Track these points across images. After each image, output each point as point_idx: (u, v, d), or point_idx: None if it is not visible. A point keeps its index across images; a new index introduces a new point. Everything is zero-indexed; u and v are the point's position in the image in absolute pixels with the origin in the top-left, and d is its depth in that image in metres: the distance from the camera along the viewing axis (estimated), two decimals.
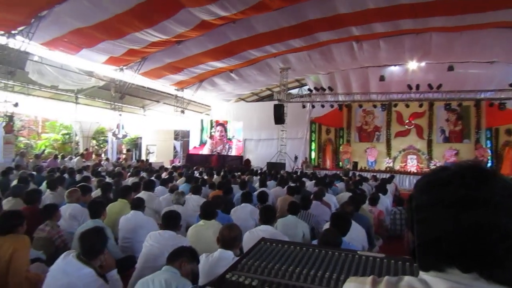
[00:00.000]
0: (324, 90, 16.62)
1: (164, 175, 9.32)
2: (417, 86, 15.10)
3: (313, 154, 19.00)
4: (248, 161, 17.97)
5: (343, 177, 11.60)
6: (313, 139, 19.04)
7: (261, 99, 20.90)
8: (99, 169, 10.52)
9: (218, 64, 14.97)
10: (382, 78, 15.98)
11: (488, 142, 16.99)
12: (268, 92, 20.33)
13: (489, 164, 16.57)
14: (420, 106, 16.81)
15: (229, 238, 2.81)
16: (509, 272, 0.68)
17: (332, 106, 17.16)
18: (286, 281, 1.40)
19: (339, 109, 17.55)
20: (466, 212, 0.70)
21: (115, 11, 9.79)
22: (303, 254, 1.69)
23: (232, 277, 1.44)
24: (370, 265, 1.58)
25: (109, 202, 4.86)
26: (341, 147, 19.47)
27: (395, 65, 16.21)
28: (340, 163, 19.01)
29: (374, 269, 1.53)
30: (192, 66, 14.69)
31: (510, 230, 0.68)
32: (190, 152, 17.91)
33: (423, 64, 15.57)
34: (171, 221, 3.46)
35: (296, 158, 17.56)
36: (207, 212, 3.96)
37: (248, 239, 3.42)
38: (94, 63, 13.21)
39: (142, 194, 5.28)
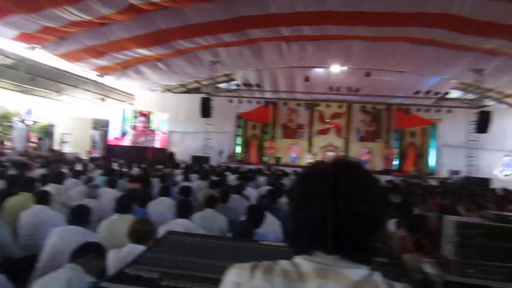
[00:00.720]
0: (252, 86, 16.88)
1: (78, 166, 8.69)
2: (338, 89, 16.12)
3: (238, 149, 19.22)
4: (171, 154, 17.56)
5: (266, 172, 11.93)
6: (239, 134, 19.27)
7: (189, 91, 20.51)
8: (2, 159, 9.45)
9: (144, 52, 14.34)
10: (307, 79, 16.70)
11: (396, 142, 18.80)
12: (196, 85, 20.02)
13: (396, 162, 18.37)
14: (340, 107, 18.01)
15: (141, 232, 2.73)
16: (366, 253, 0.80)
17: (258, 102, 17.52)
18: (188, 272, 1.41)
19: (265, 105, 17.98)
20: (331, 201, 0.79)
21: None
22: (209, 246, 1.72)
23: (131, 271, 1.41)
24: (270, 253, 1.67)
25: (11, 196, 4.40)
26: (266, 143, 19.98)
27: (319, 67, 17.05)
28: (264, 158, 19.51)
29: (271, 257, 1.61)
30: (116, 51, 13.86)
31: (368, 217, 0.80)
32: (110, 143, 16.89)
33: (344, 68, 16.62)
34: (79, 216, 3.24)
35: (221, 152, 17.61)
36: (122, 206, 3.80)
37: None
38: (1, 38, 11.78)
39: (50, 187, 4.87)
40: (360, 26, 12.47)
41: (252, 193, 6.97)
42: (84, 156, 13.82)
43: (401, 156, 18.78)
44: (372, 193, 0.82)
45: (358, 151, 18.99)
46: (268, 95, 18.30)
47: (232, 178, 9.26)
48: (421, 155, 18.31)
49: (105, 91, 16.92)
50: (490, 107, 15.75)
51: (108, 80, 16.51)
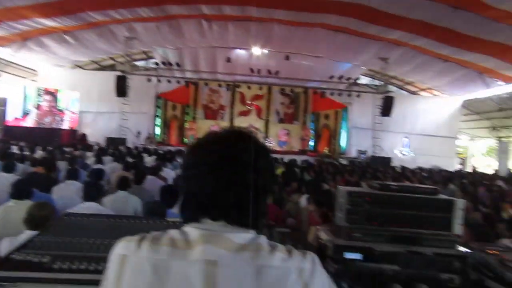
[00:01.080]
0: (172, 65, 16.31)
1: None
2: (259, 71, 16.38)
3: (158, 130, 18.59)
4: (83, 135, 16.34)
5: None
6: (158, 114, 18.60)
7: (102, 68, 19.12)
8: None
9: (48, 23, 12.88)
10: (228, 60, 16.65)
11: (312, 124, 19.86)
12: (111, 62, 18.71)
13: (311, 142, 19.45)
14: (260, 89, 18.37)
15: (38, 217, 2.52)
16: (253, 219, 0.83)
17: (179, 82, 17.04)
18: (83, 254, 1.35)
19: (186, 86, 17.56)
20: (220, 170, 0.82)
21: None
22: (109, 226, 1.66)
23: (18, 257, 1.29)
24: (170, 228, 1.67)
25: None
26: (186, 124, 19.63)
27: (241, 49, 17.09)
28: (185, 139, 19.19)
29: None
30: (13, 20, 12.24)
31: (256, 185, 0.83)
32: (9, 124, 15.03)
33: (265, 51, 16.89)
34: None
35: (139, 133, 16.89)
36: (19, 191, 3.45)
37: None
38: None
39: None
40: (279, 10, 12.74)
41: (170, 174, 6.84)
42: None
43: (316, 137, 19.94)
44: (261, 163, 0.85)
45: (278, 132, 19.68)
46: (189, 75, 17.88)
47: (149, 160, 8.97)
48: (334, 136, 19.62)
49: (0, 66, 14.91)
50: (393, 93, 17.42)
51: (5, 53, 14.56)
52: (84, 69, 18.82)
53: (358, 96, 17.14)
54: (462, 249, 1.75)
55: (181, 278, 0.75)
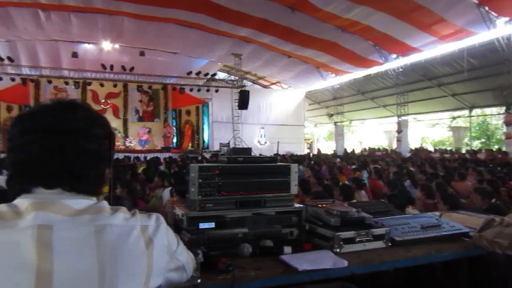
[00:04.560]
0: (3, 60, 13.92)
1: None
2: (112, 67, 15.34)
3: None
4: None
5: None
6: None
7: None
8: None
9: None
10: (74, 55, 15.19)
11: (174, 121, 19.68)
12: None
13: (174, 140, 19.30)
14: (115, 86, 17.15)
15: None
16: (85, 184, 0.83)
17: (13, 79, 14.67)
18: None
19: (23, 83, 15.23)
20: (51, 137, 0.80)
21: None
22: None
23: None
24: None
25: None
26: None
27: (88, 43, 15.73)
28: None
29: None
30: None
31: (86, 149, 0.83)
32: None
33: (117, 46, 15.95)
34: None
35: None
36: None
37: None
38: None
39: None
40: (127, 2, 12.19)
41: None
42: None
43: (179, 133, 19.84)
44: (95, 129, 0.86)
45: (138, 131, 18.81)
46: (25, 71, 15.54)
47: None
48: (197, 132, 19.85)
49: None
50: (248, 87, 18.63)
51: None
52: None
53: (216, 91, 17.73)
54: (298, 205, 2.06)
55: (9, 245, 0.70)
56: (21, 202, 0.78)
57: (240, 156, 2.04)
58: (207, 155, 15.97)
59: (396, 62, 15.35)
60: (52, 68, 15.66)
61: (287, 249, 1.79)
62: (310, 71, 17.08)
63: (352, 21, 11.93)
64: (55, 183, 0.80)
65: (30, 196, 0.79)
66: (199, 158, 13.92)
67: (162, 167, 9.46)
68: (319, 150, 21.25)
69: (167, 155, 14.96)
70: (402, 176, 7.17)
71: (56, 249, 0.72)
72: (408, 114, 16.83)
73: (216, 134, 19.47)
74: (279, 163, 2.10)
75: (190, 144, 19.11)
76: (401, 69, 15.39)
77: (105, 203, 0.84)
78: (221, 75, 19.55)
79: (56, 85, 17.13)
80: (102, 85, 16.68)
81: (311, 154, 17.69)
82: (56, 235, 0.73)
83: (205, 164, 1.94)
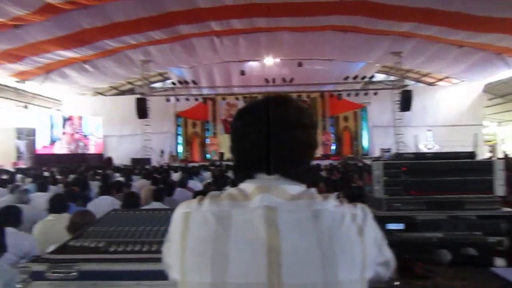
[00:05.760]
0: (188, 83, 16.65)
1: (3, 177, 7.97)
2: (273, 80, 16.51)
3: (180, 148, 18.89)
4: (109, 159, 16.76)
5: (210, 167, 11.88)
6: (179, 133, 18.93)
7: (122, 93, 19.71)
8: None
9: (68, 54, 13.48)
10: (242, 73, 16.86)
11: (332, 128, 19.73)
12: (129, 86, 19.28)
13: (333, 147, 19.31)
14: None
15: (80, 224, 2.61)
16: (297, 170, 0.88)
17: (196, 99, 17.35)
18: (131, 239, 1.44)
19: (204, 102, 17.85)
20: (269, 128, 0.87)
21: None
22: (147, 217, 1.75)
23: (75, 243, 1.38)
24: None
25: None
26: (207, 140, 19.85)
27: (253, 61, 17.29)
28: (208, 155, 19.38)
29: None
30: (35, 54, 12.86)
31: (299, 138, 0.89)
32: (39, 152, 15.63)
33: (277, 60, 17.03)
34: (8, 216, 3.02)
35: (162, 152, 17.19)
36: (56, 205, 3.59)
37: None
38: None
39: None
40: (286, 17, 12.87)
41: (196, 185, 6.93)
42: (10, 168, 12.64)
43: (338, 140, 19.77)
44: (304, 120, 0.92)
45: None
46: (205, 91, 18.20)
47: (176, 176, 9.09)
48: (355, 138, 19.40)
49: (27, 98, 15.60)
50: (410, 86, 17.14)
51: (30, 86, 15.26)
52: (104, 95, 19.46)
53: (375, 94, 16.96)
54: (507, 210, 1.72)
55: (244, 223, 0.79)
56: (247, 186, 0.87)
57: (429, 152, 1.84)
58: (368, 161, 15.35)
59: None
60: (225, 87, 17.88)
61: (500, 261, 1.50)
62: (489, 59, 14.48)
63: None
64: (275, 169, 0.86)
65: (254, 181, 0.87)
66: (360, 164, 13.50)
67: (323, 174, 9.51)
68: (506, 154, 17.80)
69: (326, 162, 15.05)
70: None
71: (282, 228, 0.77)
72: None
73: (376, 140, 18.56)
74: (479, 159, 1.81)
75: (349, 151, 18.79)
76: None
77: (314, 190, 0.88)
78: (379, 77, 18.59)
79: (228, 101, 19.50)
80: None
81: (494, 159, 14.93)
82: (280, 216, 0.79)
83: (390, 161, 1.82)
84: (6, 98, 15.04)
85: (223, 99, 19.14)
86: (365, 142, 19.16)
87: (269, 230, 0.77)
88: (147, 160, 15.82)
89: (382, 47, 14.81)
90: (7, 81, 14.46)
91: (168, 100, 16.91)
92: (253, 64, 17.41)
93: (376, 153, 17.91)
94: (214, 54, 15.99)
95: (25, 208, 4.06)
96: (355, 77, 16.03)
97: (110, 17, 11.45)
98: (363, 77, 16.30)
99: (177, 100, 17.12)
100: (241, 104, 18.92)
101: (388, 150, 17.16)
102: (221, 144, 19.49)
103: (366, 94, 17.00)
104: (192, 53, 15.59)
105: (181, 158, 18.06)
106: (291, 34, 14.57)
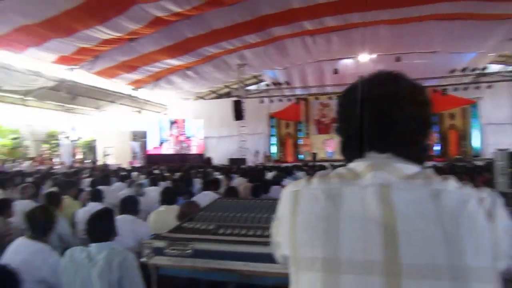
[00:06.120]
0: (281, 84, 16.91)
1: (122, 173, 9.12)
2: None
3: (274, 149, 19.28)
4: (209, 159, 17.91)
5: (304, 167, 11.89)
6: (273, 133, 19.33)
7: (220, 96, 20.90)
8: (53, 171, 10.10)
9: (174, 62, 14.79)
10: (335, 71, 16.51)
11: (436, 127, 18.10)
12: (226, 89, 20.36)
13: (437, 147, 17.71)
14: None
15: (188, 213, 2.85)
16: (412, 149, 0.84)
17: (289, 100, 17.52)
18: (237, 224, 1.52)
19: (297, 102, 17.93)
20: (380, 105, 0.84)
21: (64, 6, 9.38)
22: (249, 205, 1.83)
23: (188, 225, 1.52)
24: None
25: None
26: (300, 140, 19.89)
27: (347, 58, 16.81)
28: (301, 155, 19.41)
29: None
30: (147, 64, 14.40)
31: (413, 116, 0.84)
32: (150, 152, 17.53)
33: (373, 56, 16.28)
34: (128, 205, 3.43)
35: (257, 152, 17.74)
36: (167, 198, 3.97)
37: None
38: (42, 63, 12.60)
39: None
40: (383, 10, 12.20)
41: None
42: (126, 166, 14.42)
43: (442, 140, 18.04)
44: (419, 96, 0.87)
45: None
46: (298, 91, 18.27)
47: (270, 175, 9.32)
48: (464, 137, 17.51)
49: (140, 104, 17.63)
50: None
51: (142, 92, 17.19)
52: (204, 99, 20.86)
53: (489, 87, 15.08)
54: None
55: (356, 200, 0.76)
56: (357, 165, 0.84)
57: None
58: (480, 163, 13.71)
59: None
60: (318, 86, 17.71)
61: None
62: None
63: None
64: (386, 148, 0.83)
65: (364, 160, 0.84)
66: (470, 166, 12.14)
67: None
68: None
69: (429, 163, 13.87)
70: None
71: (397, 207, 0.73)
72: None
73: (490, 139, 16.46)
74: None
75: (457, 152, 17.03)
76: None
77: (430, 170, 0.82)
78: (494, 68, 16.47)
79: (321, 101, 19.28)
80: None
81: None
82: (395, 194, 0.75)
83: None
84: (124, 105, 17.19)
85: (316, 98, 18.98)
86: (475, 142, 17.15)
87: (383, 208, 0.73)
88: (243, 160, 16.50)
89: (498, 34, 13.09)
90: (124, 89, 16.48)
91: (262, 101, 17.40)
92: (346, 61, 16.91)
93: (490, 153, 15.88)
94: (306, 54, 15.96)
95: (141, 200, 4.59)
96: (463, 70, 14.48)
97: (210, 25, 12.23)
98: (474, 69, 14.63)
99: (271, 101, 17.52)
100: (334, 103, 18.56)
101: (506, 150, 15.11)
102: (313, 145, 19.35)
103: (477, 88, 15.23)
104: (284, 54, 15.79)
105: (275, 159, 18.41)
106: (388, 27, 13.78)
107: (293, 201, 0.84)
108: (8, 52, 11.47)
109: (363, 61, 16.45)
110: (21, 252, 2.33)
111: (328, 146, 19.40)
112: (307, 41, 14.86)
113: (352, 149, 0.88)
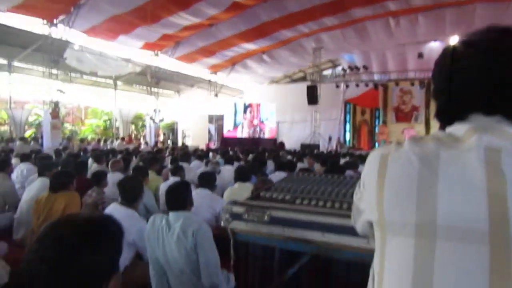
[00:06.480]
0: (359, 69, 16.20)
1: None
2: None
3: (347, 135, 18.72)
4: (281, 143, 18.00)
5: None
6: (347, 120, 18.73)
7: (294, 81, 20.76)
8: (140, 150, 11.03)
9: (250, 46, 15.01)
10: (420, 55, 15.33)
11: None
12: (301, 74, 20.14)
13: None
14: None
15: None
16: None
17: (367, 85, 16.74)
18: (311, 196, 1.52)
19: (375, 88, 17.06)
20: (496, 60, 0.73)
21: None
22: (322, 179, 1.83)
23: (266, 194, 1.55)
24: None
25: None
26: (377, 128, 19.01)
27: (434, 41, 15.49)
28: (376, 143, 18.59)
29: None
30: (225, 48, 14.82)
31: None
32: (225, 135, 18.19)
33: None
34: (206, 180, 3.60)
35: (330, 139, 17.39)
36: (241, 175, 4.08)
37: None
38: (130, 49, 13.68)
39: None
40: None
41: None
42: (203, 148, 15.16)
43: None
44: None
45: None
46: (376, 77, 17.34)
47: (343, 161, 9.10)
48: None
49: (217, 88, 18.29)
50: None
51: (220, 77, 17.78)
52: (278, 83, 20.90)
53: None
54: None
55: (456, 164, 0.68)
56: (457, 128, 0.75)
57: None
58: None
59: None
60: (398, 71, 16.63)
61: None
62: None
63: None
64: (495, 109, 0.72)
65: (466, 122, 0.74)
66: None
67: None
68: None
69: None
70: None
71: (508, 173, 0.63)
72: None
73: None
74: None
75: None
76: None
77: None
78: None
79: (402, 88, 18.10)
80: None
81: None
82: (506, 159, 0.65)
83: None
84: (202, 88, 17.98)
85: (396, 84, 17.83)
86: None
87: (490, 173, 0.64)
88: (316, 146, 16.30)
89: None
90: (201, 73, 17.21)
91: (337, 86, 16.90)
92: (433, 45, 15.55)
93: None
94: (388, 37, 15.03)
95: (217, 177, 4.79)
96: None
97: (287, 8, 12.13)
98: None
99: (347, 86, 16.93)
100: (416, 90, 17.32)
101: None
102: (391, 133, 18.36)
103: None
104: (364, 38, 15.08)
105: (349, 146, 17.87)
106: (485, 6, 12.35)
107: (381, 164, 0.76)
108: (102, 40, 12.62)
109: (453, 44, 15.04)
110: (113, 216, 2.57)
111: (407, 135, 18.23)
112: (390, 23, 13.98)
113: (452, 112, 0.78)
